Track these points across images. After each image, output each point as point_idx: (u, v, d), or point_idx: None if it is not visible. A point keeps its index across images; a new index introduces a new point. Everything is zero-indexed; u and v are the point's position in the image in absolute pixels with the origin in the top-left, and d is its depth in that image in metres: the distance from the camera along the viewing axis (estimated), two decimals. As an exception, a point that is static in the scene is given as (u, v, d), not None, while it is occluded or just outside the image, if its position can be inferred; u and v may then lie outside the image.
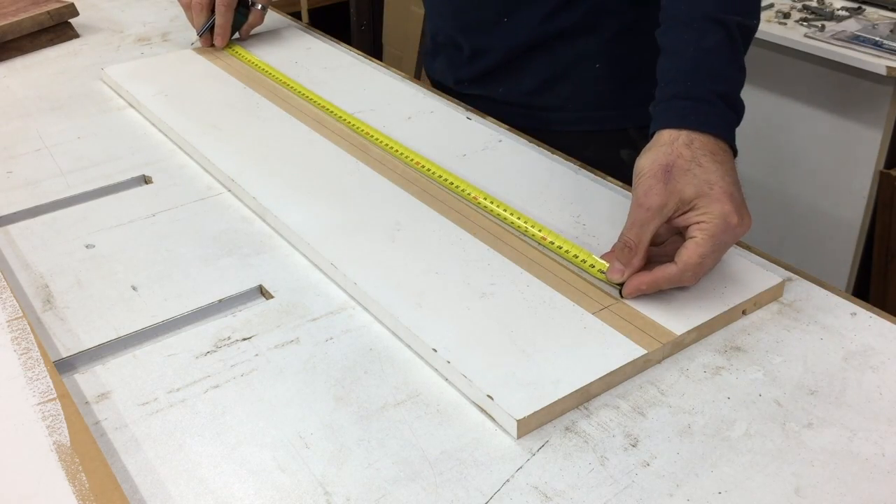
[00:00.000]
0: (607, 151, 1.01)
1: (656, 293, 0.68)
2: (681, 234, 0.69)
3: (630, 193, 0.84)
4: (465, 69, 1.10)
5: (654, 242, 0.71)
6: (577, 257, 0.73)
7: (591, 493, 0.54)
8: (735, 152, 0.71)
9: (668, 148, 0.69)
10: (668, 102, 0.72)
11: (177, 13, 1.39)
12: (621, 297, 0.68)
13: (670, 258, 0.67)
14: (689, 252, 0.66)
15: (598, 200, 0.82)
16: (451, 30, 1.09)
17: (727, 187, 0.67)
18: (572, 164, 0.90)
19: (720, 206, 0.66)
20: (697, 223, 0.66)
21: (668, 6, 0.77)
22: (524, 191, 0.84)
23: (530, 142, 0.95)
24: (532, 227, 0.77)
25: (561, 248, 0.74)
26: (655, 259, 0.69)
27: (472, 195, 0.82)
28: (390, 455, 0.57)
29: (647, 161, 0.69)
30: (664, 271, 0.67)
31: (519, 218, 0.78)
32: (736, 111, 0.73)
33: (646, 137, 0.75)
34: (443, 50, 1.14)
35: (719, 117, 0.70)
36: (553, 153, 0.93)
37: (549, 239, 0.75)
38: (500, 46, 1.05)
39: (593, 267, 0.71)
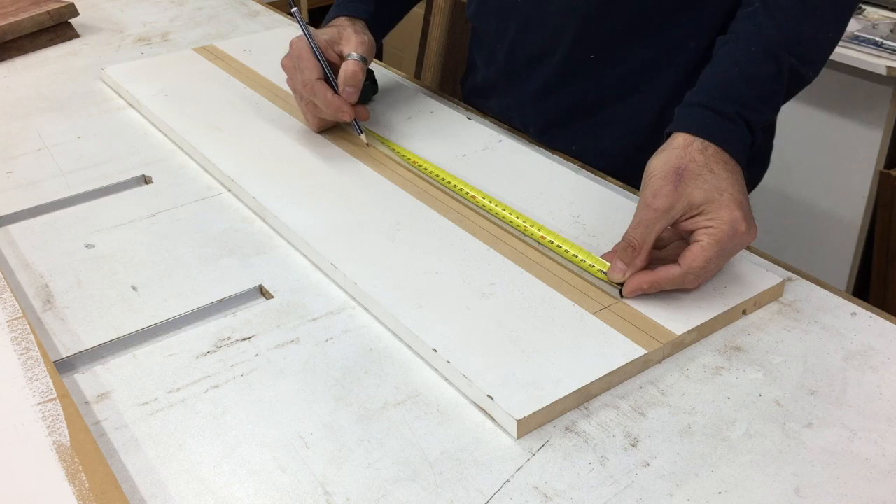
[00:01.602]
0: None
1: (656, 293, 0.68)
2: (685, 239, 0.69)
3: (630, 194, 0.85)
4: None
5: (658, 246, 0.71)
6: (576, 257, 0.73)
7: (591, 493, 0.54)
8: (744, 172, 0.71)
9: (681, 151, 0.69)
10: (693, 108, 0.72)
11: (177, 13, 1.39)
12: (622, 296, 0.68)
13: (673, 262, 0.67)
14: (694, 255, 0.66)
15: (598, 200, 0.82)
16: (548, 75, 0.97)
17: (737, 195, 0.67)
18: (572, 164, 0.90)
19: (729, 213, 0.66)
20: (705, 227, 0.67)
21: (739, 22, 0.76)
22: (524, 191, 0.84)
23: (530, 142, 0.95)
24: (531, 226, 0.77)
25: (560, 247, 0.74)
26: (658, 262, 0.69)
27: (472, 195, 0.82)
28: (390, 455, 0.57)
29: (659, 162, 0.69)
30: (666, 272, 0.67)
31: (518, 217, 0.78)
32: (754, 139, 0.73)
33: None
34: (511, 87, 1.01)
35: (739, 138, 0.71)
36: (553, 153, 0.93)
37: (549, 238, 0.75)
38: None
39: (593, 266, 0.71)
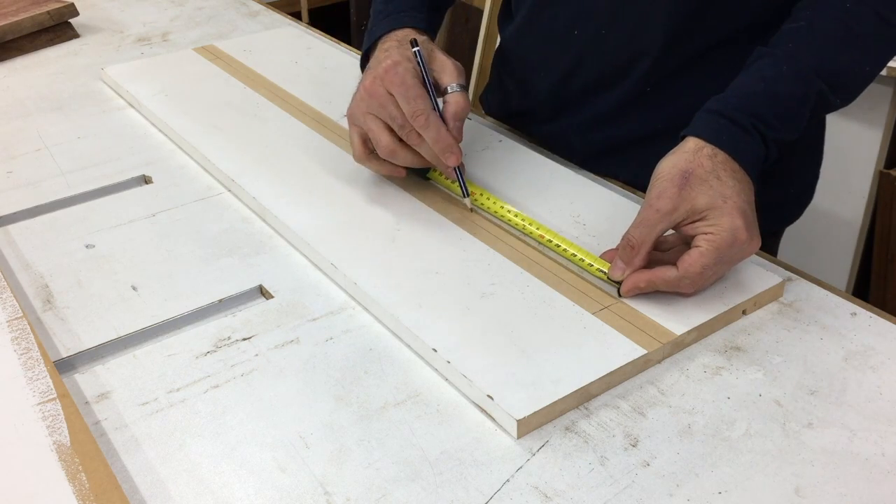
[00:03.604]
0: None
1: (656, 294, 0.68)
2: (687, 243, 0.69)
3: (630, 194, 0.85)
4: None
5: (662, 248, 0.71)
6: (575, 256, 0.73)
7: (591, 493, 0.54)
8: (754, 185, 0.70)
9: (690, 155, 0.69)
10: (710, 115, 0.71)
11: (177, 13, 1.39)
12: (619, 295, 0.68)
13: (673, 265, 0.67)
14: (692, 260, 0.66)
15: (598, 200, 0.82)
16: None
17: (741, 204, 0.67)
18: (572, 164, 0.90)
19: (731, 221, 0.66)
20: (705, 234, 0.66)
21: (780, 36, 0.74)
22: (524, 191, 0.84)
23: (530, 142, 0.95)
24: (530, 224, 0.77)
25: (559, 246, 0.74)
26: (658, 264, 0.68)
27: (472, 192, 0.81)
28: (390, 455, 0.57)
29: (667, 165, 0.69)
30: (663, 273, 0.67)
31: (516, 216, 0.78)
32: (768, 153, 0.71)
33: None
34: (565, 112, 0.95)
35: (751, 149, 0.70)
36: (553, 153, 0.93)
37: (548, 237, 0.75)
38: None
39: (592, 266, 0.71)
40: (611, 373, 0.61)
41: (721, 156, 0.68)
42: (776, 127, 0.70)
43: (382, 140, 0.78)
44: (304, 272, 0.75)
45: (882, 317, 0.68)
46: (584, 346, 0.64)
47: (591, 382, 0.60)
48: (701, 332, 0.66)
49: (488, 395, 0.59)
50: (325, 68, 1.13)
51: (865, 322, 0.68)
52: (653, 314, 0.66)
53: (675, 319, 0.66)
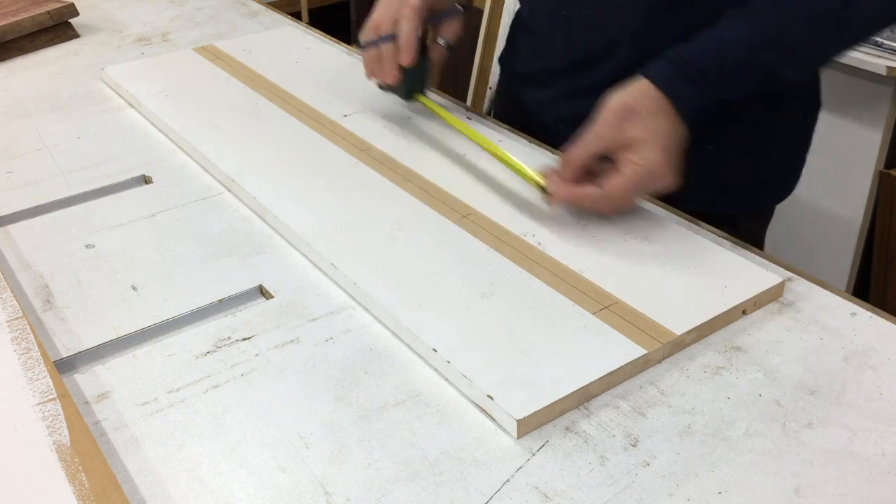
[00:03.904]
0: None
1: (655, 293, 0.68)
2: (618, 169, 0.76)
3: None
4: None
5: (595, 172, 0.78)
6: (517, 165, 0.82)
7: (591, 493, 0.54)
8: (692, 135, 0.77)
9: (636, 93, 0.76)
10: (664, 61, 0.78)
11: (177, 13, 1.39)
12: (548, 204, 0.79)
13: (598, 187, 0.75)
14: (614, 182, 0.75)
15: (598, 200, 0.82)
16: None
17: (667, 143, 0.75)
18: (572, 164, 0.90)
19: (654, 155, 0.74)
20: (631, 162, 0.74)
21: (755, 2, 0.77)
22: (524, 191, 0.84)
23: (530, 142, 0.95)
24: (473, 134, 0.87)
25: (504, 157, 0.83)
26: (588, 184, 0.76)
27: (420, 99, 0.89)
28: (390, 455, 0.57)
29: (615, 98, 0.76)
30: (588, 189, 0.76)
31: (459, 123, 0.89)
32: (707, 105, 0.77)
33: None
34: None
35: (690, 99, 0.76)
36: (553, 153, 0.93)
37: (492, 149, 0.85)
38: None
39: (533, 179, 0.80)
40: (611, 373, 0.61)
41: (663, 100, 0.76)
42: (719, 85, 0.77)
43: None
44: (304, 272, 0.75)
45: (882, 317, 0.68)
46: (584, 346, 0.64)
47: (591, 382, 0.60)
48: (701, 332, 0.66)
49: (488, 395, 0.59)
50: (325, 68, 1.13)
51: (865, 322, 0.68)
52: (653, 314, 0.67)
53: (675, 319, 0.66)
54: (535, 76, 1.01)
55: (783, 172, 0.98)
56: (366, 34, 0.93)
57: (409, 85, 0.96)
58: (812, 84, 0.96)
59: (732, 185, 0.94)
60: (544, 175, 0.79)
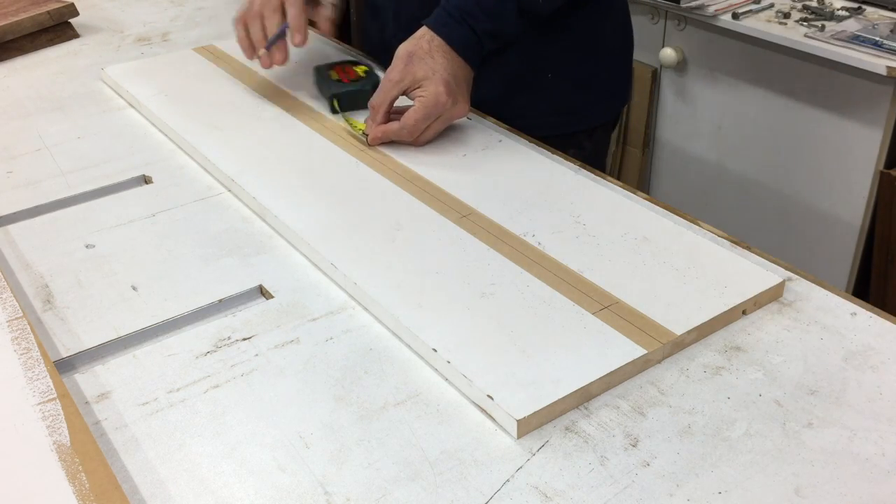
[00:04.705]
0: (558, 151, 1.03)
1: (655, 293, 0.68)
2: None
3: (630, 193, 0.85)
4: None
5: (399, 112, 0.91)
6: (354, 125, 0.95)
7: (591, 493, 0.54)
8: (473, 67, 0.94)
9: (417, 40, 0.92)
10: (439, 10, 0.93)
11: (177, 13, 1.39)
12: (368, 145, 0.92)
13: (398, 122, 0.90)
14: (408, 115, 0.90)
15: (598, 200, 0.82)
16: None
17: (446, 77, 0.90)
18: (572, 164, 0.90)
19: (435, 87, 0.89)
20: (419, 97, 0.90)
21: None
22: (524, 191, 0.84)
23: (530, 142, 0.95)
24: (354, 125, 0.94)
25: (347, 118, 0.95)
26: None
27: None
28: (390, 455, 0.57)
29: (401, 47, 0.92)
30: (391, 126, 0.90)
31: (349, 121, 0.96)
32: (480, 39, 0.93)
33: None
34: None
35: (461, 36, 0.92)
36: (553, 153, 0.93)
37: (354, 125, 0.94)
38: None
39: (356, 128, 0.94)
40: (611, 373, 0.61)
41: (437, 41, 0.91)
42: (482, 20, 0.92)
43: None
44: (304, 272, 0.75)
45: (882, 317, 0.68)
46: (584, 346, 0.64)
47: (591, 382, 0.60)
48: (701, 332, 0.66)
49: (488, 395, 0.59)
50: (325, 68, 1.13)
51: (865, 322, 0.68)
52: (653, 314, 0.67)
53: (675, 319, 0.66)
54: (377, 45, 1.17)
55: (611, 93, 1.13)
56: (246, 19, 1.02)
57: (345, 103, 1.01)
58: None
59: (573, 106, 1.09)
60: (365, 123, 0.94)
